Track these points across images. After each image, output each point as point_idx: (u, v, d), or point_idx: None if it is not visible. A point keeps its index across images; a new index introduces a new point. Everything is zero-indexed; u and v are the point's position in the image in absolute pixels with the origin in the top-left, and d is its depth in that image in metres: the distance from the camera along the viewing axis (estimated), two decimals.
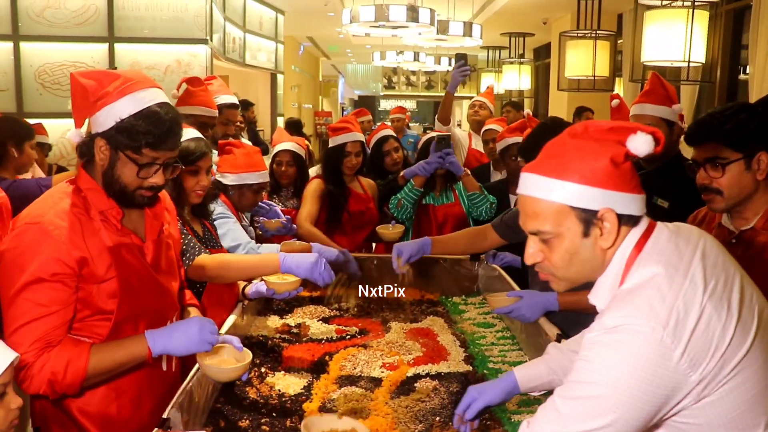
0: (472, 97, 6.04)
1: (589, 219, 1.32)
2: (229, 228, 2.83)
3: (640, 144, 1.30)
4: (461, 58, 4.21)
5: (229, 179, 3.02)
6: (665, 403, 1.23)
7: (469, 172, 3.86)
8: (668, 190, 2.81)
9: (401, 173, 3.88)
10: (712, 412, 1.25)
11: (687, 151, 2.46)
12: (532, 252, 1.40)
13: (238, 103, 4.08)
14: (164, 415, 1.63)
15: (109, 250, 1.77)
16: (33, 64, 6.35)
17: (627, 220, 1.33)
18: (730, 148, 1.98)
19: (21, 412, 1.46)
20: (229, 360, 1.94)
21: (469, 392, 1.78)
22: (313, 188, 3.74)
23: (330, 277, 2.31)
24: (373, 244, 4.10)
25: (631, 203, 1.32)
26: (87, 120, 1.82)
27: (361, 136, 3.81)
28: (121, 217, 1.82)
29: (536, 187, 1.35)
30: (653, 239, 1.33)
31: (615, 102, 3.27)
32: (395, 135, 4.46)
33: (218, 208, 2.85)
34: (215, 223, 2.81)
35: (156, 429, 1.56)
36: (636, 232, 1.34)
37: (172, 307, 2.00)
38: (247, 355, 1.94)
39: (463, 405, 1.77)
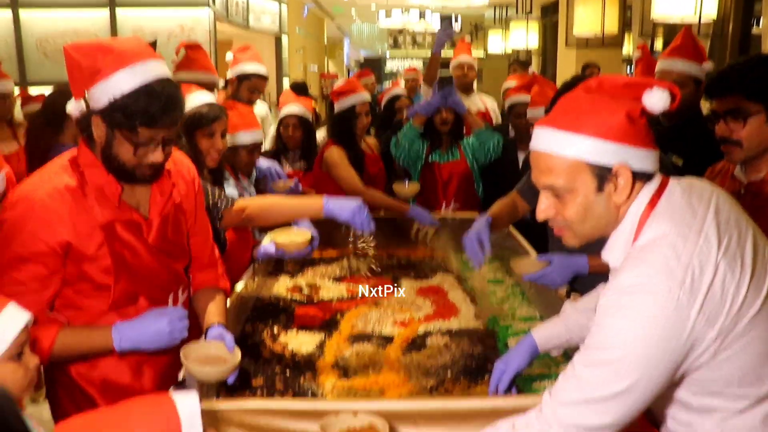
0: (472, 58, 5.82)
1: (603, 174, 1.31)
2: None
3: (657, 100, 1.28)
4: (446, 19, 4.25)
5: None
6: (684, 360, 1.25)
7: (472, 111, 3.83)
8: (684, 147, 2.78)
9: (405, 114, 3.90)
10: (729, 366, 1.26)
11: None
12: (545, 207, 1.38)
13: (266, 75, 4.06)
14: (179, 378, 1.65)
15: (101, 227, 1.74)
16: (34, 33, 6.31)
17: (641, 176, 1.32)
18: (752, 100, 1.96)
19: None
20: (216, 358, 1.77)
21: (497, 366, 1.79)
22: (340, 155, 3.61)
23: (370, 226, 2.28)
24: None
25: (646, 159, 1.31)
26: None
27: (368, 96, 3.79)
28: (119, 193, 1.77)
29: (550, 142, 1.34)
30: (666, 195, 1.32)
31: (637, 54, 3.23)
32: (406, 93, 4.46)
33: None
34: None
35: (172, 388, 1.58)
36: (649, 188, 1.33)
37: (176, 282, 1.96)
38: (236, 356, 1.79)
39: (494, 380, 1.78)
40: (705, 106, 2.14)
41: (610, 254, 1.37)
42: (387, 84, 10.26)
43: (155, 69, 1.69)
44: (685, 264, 1.22)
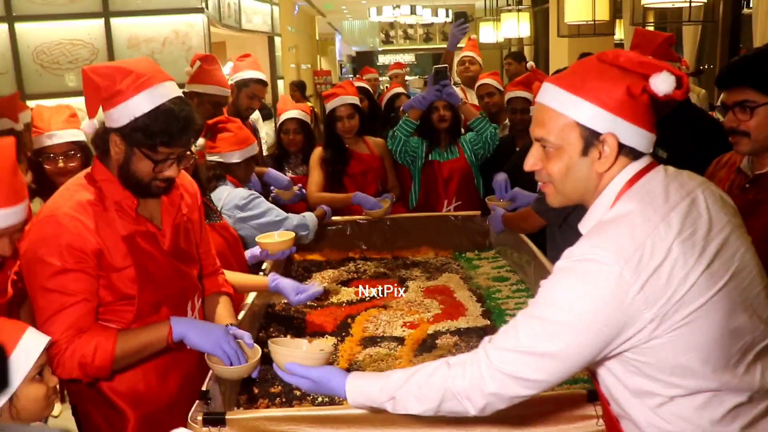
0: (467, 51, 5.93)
1: (590, 139, 1.35)
2: (269, 207, 2.91)
3: (661, 82, 1.32)
4: (461, 16, 4.20)
5: (237, 156, 2.95)
6: (616, 336, 1.27)
7: (467, 101, 3.81)
8: (669, 140, 2.83)
9: (401, 108, 3.92)
10: (662, 354, 1.28)
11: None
12: (533, 160, 1.44)
13: (266, 80, 4.09)
14: (203, 388, 1.71)
15: (123, 240, 1.82)
16: (30, 45, 6.31)
17: (628, 152, 1.36)
18: (760, 91, 1.99)
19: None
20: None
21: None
22: (314, 157, 3.80)
23: (306, 298, 2.40)
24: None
25: (637, 137, 1.35)
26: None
27: (351, 99, 3.78)
28: (136, 206, 1.86)
29: (551, 97, 1.39)
30: (647, 178, 1.36)
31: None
32: (405, 93, 4.50)
33: (243, 191, 2.88)
34: (251, 204, 2.86)
35: (198, 401, 1.64)
36: (634, 167, 1.37)
37: (192, 290, 2.03)
38: (257, 351, 1.86)
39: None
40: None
41: (584, 225, 1.41)
42: (384, 78, 10.26)
43: (171, 90, 1.79)
44: (638, 243, 1.25)
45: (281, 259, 2.71)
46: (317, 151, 3.83)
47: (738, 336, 1.30)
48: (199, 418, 1.58)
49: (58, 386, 1.58)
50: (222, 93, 3.59)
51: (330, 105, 3.79)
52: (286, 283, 2.41)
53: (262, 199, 2.95)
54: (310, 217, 3.10)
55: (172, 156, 1.80)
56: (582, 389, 1.73)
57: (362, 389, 1.49)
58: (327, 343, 1.59)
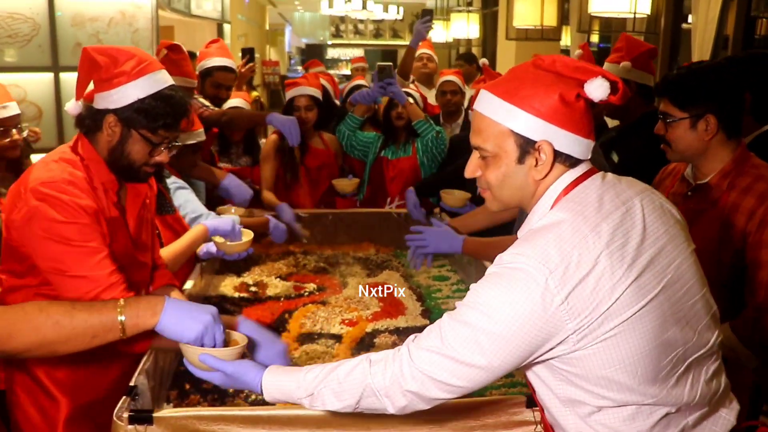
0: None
1: (526, 147, 1.35)
2: (187, 198, 2.77)
3: (595, 88, 1.32)
4: (428, 13, 4.23)
5: None
6: (540, 345, 1.27)
7: (413, 101, 3.76)
8: (629, 147, 2.88)
9: (349, 100, 3.91)
10: (588, 365, 1.29)
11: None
12: (473, 167, 1.44)
13: (233, 67, 3.95)
14: (131, 383, 1.65)
15: (107, 221, 1.81)
16: None
17: (565, 159, 1.36)
18: (676, 106, 2.10)
19: None
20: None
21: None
22: (266, 149, 3.71)
23: (239, 238, 2.48)
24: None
25: (574, 144, 1.34)
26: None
27: (311, 90, 3.71)
28: (117, 190, 1.87)
29: (486, 105, 1.39)
30: (582, 186, 1.36)
31: (578, 53, 3.30)
32: (366, 85, 4.48)
33: (171, 177, 2.78)
34: (173, 194, 2.73)
35: (124, 397, 1.58)
36: (571, 175, 1.37)
37: (144, 283, 2.02)
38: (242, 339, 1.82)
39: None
40: None
41: (521, 232, 1.41)
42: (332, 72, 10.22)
43: (168, 78, 1.85)
44: (564, 253, 1.25)
45: (217, 257, 2.62)
46: (269, 141, 3.71)
47: (669, 348, 1.30)
48: (125, 415, 1.52)
49: None
50: (188, 85, 3.41)
51: (290, 94, 3.73)
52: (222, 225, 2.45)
53: (184, 191, 2.80)
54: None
55: (167, 140, 1.84)
56: (520, 393, 1.74)
57: (278, 385, 1.47)
58: (242, 337, 1.58)
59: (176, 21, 8.67)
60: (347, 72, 15.20)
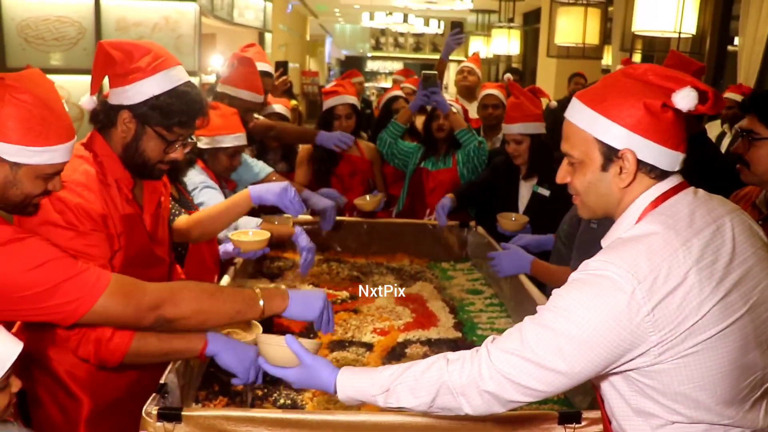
0: (461, 61, 6.00)
1: (609, 155, 1.34)
2: (212, 196, 2.71)
3: (682, 98, 1.30)
4: (457, 26, 4.18)
5: (202, 142, 2.81)
6: (622, 355, 1.25)
7: (456, 111, 3.72)
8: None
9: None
10: (666, 380, 1.27)
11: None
12: (562, 173, 1.45)
13: (270, 71, 3.94)
14: (161, 381, 1.65)
15: (122, 219, 1.79)
16: (15, 18, 6.20)
17: (650, 170, 1.34)
18: (764, 124, 1.96)
19: None
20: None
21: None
22: (302, 154, 3.80)
23: (301, 206, 2.34)
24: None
25: (659, 155, 1.32)
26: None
27: (352, 99, 3.78)
28: (132, 187, 1.85)
29: (574, 112, 1.39)
30: (673, 200, 1.34)
31: (620, 67, 3.23)
32: (404, 96, 4.48)
33: (198, 176, 2.75)
34: (195, 192, 2.71)
35: (154, 394, 1.57)
36: (660, 187, 1.35)
37: (163, 279, 2.00)
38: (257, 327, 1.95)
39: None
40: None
41: (605, 241, 1.40)
42: (369, 84, 10.28)
43: (184, 74, 1.81)
44: (654, 265, 1.23)
45: (234, 255, 2.63)
46: (305, 149, 3.80)
47: (748, 371, 1.28)
48: (154, 412, 1.52)
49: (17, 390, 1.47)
50: (255, 99, 3.28)
51: (329, 102, 3.75)
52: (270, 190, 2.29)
53: (211, 190, 2.75)
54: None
55: (182, 138, 1.82)
56: (552, 410, 1.70)
57: (353, 383, 1.47)
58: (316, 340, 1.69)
59: (218, 28, 8.80)
60: (387, 85, 15.25)
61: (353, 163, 3.82)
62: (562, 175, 1.45)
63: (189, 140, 1.88)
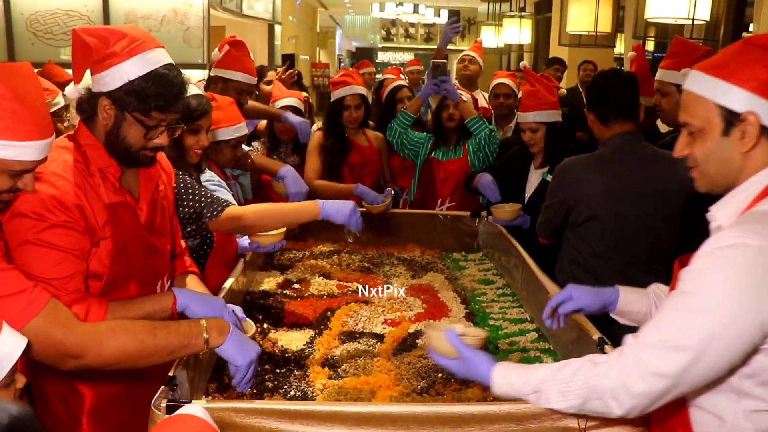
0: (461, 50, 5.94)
1: (731, 119, 1.32)
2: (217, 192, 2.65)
3: None
4: (454, 14, 4.16)
5: None
6: (762, 328, 1.21)
7: (465, 99, 3.70)
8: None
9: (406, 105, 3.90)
10: None
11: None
12: (680, 146, 1.43)
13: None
14: (170, 373, 1.63)
15: (106, 208, 1.75)
16: (24, 12, 6.21)
17: None
18: None
19: None
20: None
21: (567, 290, 1.78)
22: (313, 143, 3.77)
23: (361, 224, 2.40)
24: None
25: None
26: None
27: (361, 89, 3.76)
28: (119, 176, 1.80)
29: (693, 82, 1.39)
30: None
31: (631, 54, 3.19)
32: (408, 85, 4.45)
33: (207, 174, 2.71)
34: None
35: (163, 386, 1.56)
36: None
37: (163, 268, 1.97)
38: (250, 326, 1.90)
39: (558, 299, 1.78)
40: None
41: (719, 210, 1.37)
42: (379, 76, 10.22)
43: (163, 56, 1.75)
44: None
45: (250, 250, 2.61)
46: (316, 137, 3.79)
47: None
48: (163, 404, 1.50)
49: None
50: (248, 81, 3.40)
51: (338, 93, 3.74)
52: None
53: (218, 188, 2.70)
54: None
55: (163, 122, 1.77)
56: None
57: (508, 379, 1.49)
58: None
59: (227, 21, 8.78)
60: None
61: (363, 152, 3.81)
62: (681, 148, 1.43)
63: (176, 125, 1.82)
